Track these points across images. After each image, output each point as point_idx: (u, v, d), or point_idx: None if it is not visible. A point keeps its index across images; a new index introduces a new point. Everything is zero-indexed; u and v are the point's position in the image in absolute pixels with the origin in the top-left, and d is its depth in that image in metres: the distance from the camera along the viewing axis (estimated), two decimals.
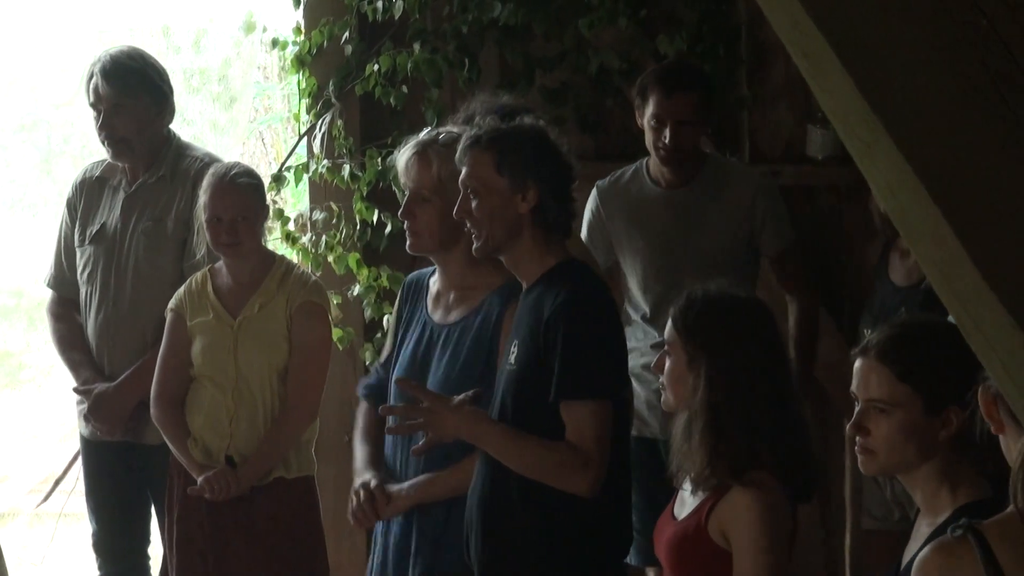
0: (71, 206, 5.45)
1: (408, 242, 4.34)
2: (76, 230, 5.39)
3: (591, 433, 3.78)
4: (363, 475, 4.36)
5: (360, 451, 4.45)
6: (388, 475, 4.34)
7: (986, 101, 1.81)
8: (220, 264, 5.05)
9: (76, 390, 5.31)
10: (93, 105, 5.28)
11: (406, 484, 4.26)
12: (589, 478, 3.77)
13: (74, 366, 5.34)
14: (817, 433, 5.61)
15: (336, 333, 5.70)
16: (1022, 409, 2.01)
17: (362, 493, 4.29)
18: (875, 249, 5.18)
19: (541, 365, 3.81)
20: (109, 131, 5.25)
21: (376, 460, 4.39)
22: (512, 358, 3.89)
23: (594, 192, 5.27)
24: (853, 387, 3.13)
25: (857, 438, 3.00)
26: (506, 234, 3.89)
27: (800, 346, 5.27)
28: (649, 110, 5.02)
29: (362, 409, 4.53)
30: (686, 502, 3.62)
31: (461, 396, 3.92)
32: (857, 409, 3.05)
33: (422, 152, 4.26)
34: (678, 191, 5.11)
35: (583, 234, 5.18)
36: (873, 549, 5.29)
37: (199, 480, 4.91)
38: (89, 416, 5.25)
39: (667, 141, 4.98)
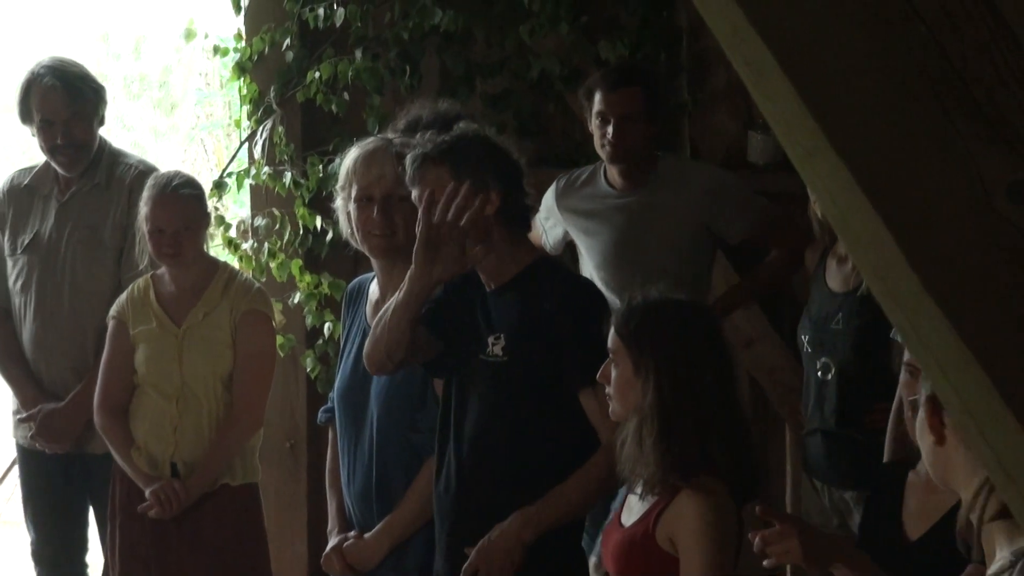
0: None
1: (374, 248, 4.30)
2: (7, 239, 5.34)
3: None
4: (332, 536, 4.38)
5: (329, 501, 4.48)
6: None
7: (925, 108, 1.83)
8: (162, 271, 5.02)
9: (22, 419, 5.25)
10: (44, 120, 5.21)
11: (372, 534, 4.25)
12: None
13: (13, 381, 5.29)
14: (758, 435, 5.67)
15: (278, 340, 5.69)
16: (957, 409, 2.02)
17: (335, 562, 4.30)
18: (813, 256, 5.19)
19: (544, 355, 3.86)
20: (70, 139, 5.20)
21: (343, 511, 4.40)
22: (498, 349, 3.90)
23: (553, 186, 5.28)
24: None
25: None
26: (475, 239, 3.90)
27: (752, 276, 5.28)
28: (594, 108, 5.02)
29: (330, 450, 4.52)
30: (633, 508, 3.63)
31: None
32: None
33: (399, 155, 4.20)
34: (630, 195, 5.11)
35: (539, 218, 5.22)
36: None
37: (147, 493, 4.87)
38: (37, 436, 5.20)
39: (611, 137, 4.98)
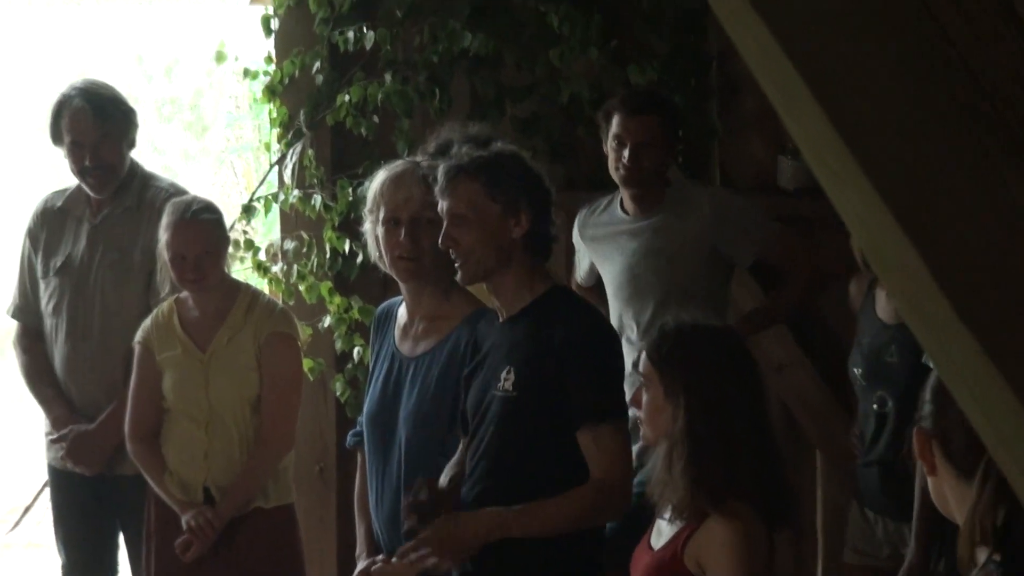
0: (33, 236, 5.41)
1: (401, 271, 4.29)
2: (39, 261, 5.36)
3: (622, 456, 3.81)
4: (360, 560, 4.37)
5: (358, 525, 4.48)
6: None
7: (955, 131, 1.82)
8: (186, 295, 5.03)
9: (53, 440, 5.26)
10: (74, 142, 5.23)
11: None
12: (620, 504, 3.82)
13: (45, 402, 5.30)
14: (790, 463, 5.64)
15: (307, 364, 5.69)
16: (990, 437, 2.01)
17: None
18: (860, 286, 5.15)
19: (549, 392, 3.81)
20: (98, 162, 5.21)
21: (371, 535, 4.40)
22: (508, 384, 3.87)
23: (577, 217, 5.33)
24: None
25: None
26: (497, 260, 3.89)
27: (778, 294, 5.26)
28: (611, 131, 5.03)
29: (359, 473, 4.51)
30: (663, 532, 3.62)
31: (447, 484, 3.91)
32: None
33: (426, 177, 4.17)
34: (642, 220, 5.13)
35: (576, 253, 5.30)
36: None
37: (183, 523, 4.87)
38: (68, 457, 5.21)
39: (626, 161, 4.99)
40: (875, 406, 4.93)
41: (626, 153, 4.99)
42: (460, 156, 3.95)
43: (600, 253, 5.23)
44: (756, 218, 5.17)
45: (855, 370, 5.01)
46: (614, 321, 5.17)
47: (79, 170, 5.26)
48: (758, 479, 3.52)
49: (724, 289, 5.18)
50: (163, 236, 4.92)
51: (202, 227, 4.92)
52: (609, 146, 5.06)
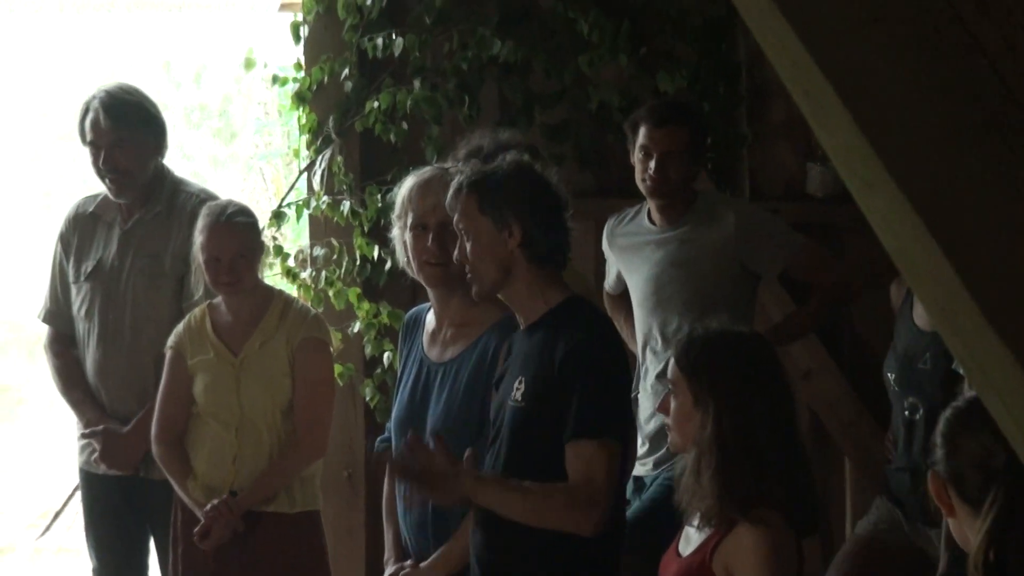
0: (65, 241, 5.43)
1: (428, 277, 4.29)
2: (71, 266, 5.38)
3: (602, 473, 3.76)
4: (388, 565, 4.38)
5: (386, 530, 4.49)
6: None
7: (986, 140, 1.82)
8: (219, 300, 5.05)
9: (84, 435, 5.28)
10: (92, 143, 5.27)
11: (428, 563, 4.24)
12: (595, 518, 3.77)
13: (76, 405, 5.33)
14: (817, 468, 5.64)
15: (336, 369, 5.70)
16: (1020, 445, 2.01)
17: None
18: (899, 291, 5.14)
19: (552, 404, 3.80)
20: (111, 165, 5.24)
21: (399, 541, 4.40)
22: (519, 395, 3.87)
23: (605, 226, 5.34)
24: None
25: None
26: (499, 273, 3.88)
27: (807, 304, 5.27)
28: (638, 142, 5.03)
29: (387, 478, 4.53)
30: (691, 539, 3.62)
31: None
32: None
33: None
34: (668, 231, 5.13)
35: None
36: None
37: (202, 514, 4.89)
38: (100, 458, 5.23)
39: (652, 172, 4.99)
40: (906, 412, 4.94)
41: (652, 164, 4.99)
42: (464, 171, 3.97)
43: (626, 262, 5.23)
44: (781, 231, 5.16)
45: (888, 374, 5.02)
46: (639, 331, 5.18)
47: (97, 172, 5.29)
48: (786, 486, 3.52)
49: (749, 300, 5.17)
50: (198, 238, 4.94)
51: (237, 230, 4.94)
52: (636, 157, 5.06)
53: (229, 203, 5.08)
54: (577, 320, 3.88)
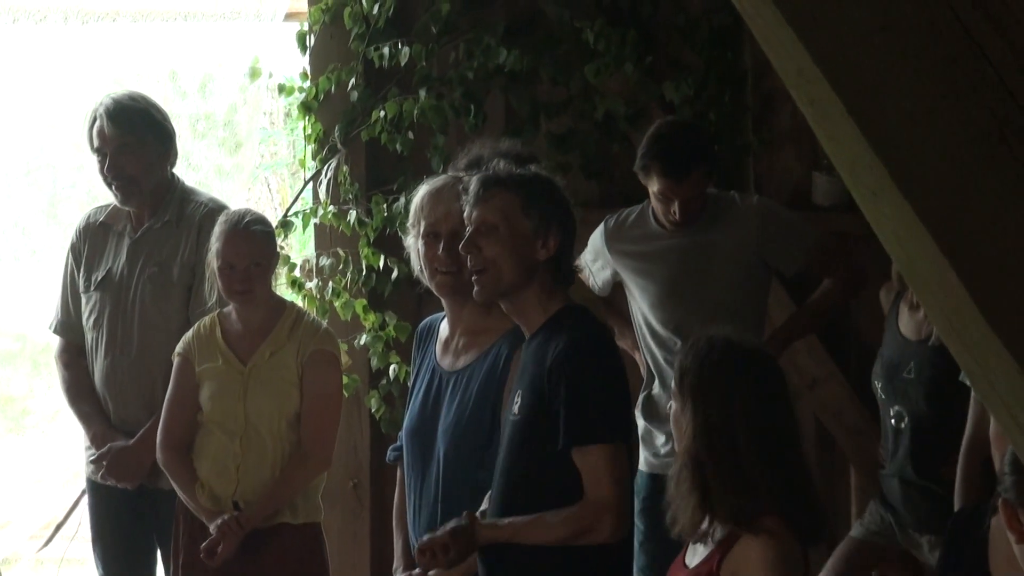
0: (75, 251, 5.44)
1: (439, 286, 4.30)
2: (81, 276, 5.39)
3: (608, 477, 3.77)
4: (397, 574, 4.41)
5: (396, 539, 4.51)
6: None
7: (992, 149, 1.81)
8: (229, 309, 5.05)
9: (93, 460, 5.27)
10: (98, 149, 5.27)
11: (436, 573, 4.24)
12: (612, 524, 3.78)
13: (84, 418, 5.33)
14: (824, 477, 5.64)
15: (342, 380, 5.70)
16: None
17: None
18: (888, 297, 5.17)
19: (545, 414, 3.80)
20: (117, 171, 5.24)
21: (408, 550, 4.40)
22: (516, 408, 3.88)
23: (601, 227, 5.28)
24: None
25: None
26: (518, 277, 3.88)
27: (809, 305, 5.26)
28: (655, 187, 5.00)
29: (397, 488, 4.53)
30: (697, 549, 3.61)
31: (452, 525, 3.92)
32: None
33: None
34: (682, 234, 5.10)
35: (584, 259, 5.23)
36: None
37: (211, 528, 4.89)
38: (108, 475, 5.23)
39: (676, 217, 5.01)
40: (892, 420, 4.98)
41: (675, 208, 5.00)
42: (499, 169, 3.96)
43: (635, 268, 5.19)
44: (800, 223, 5.17)
45: (876, 383, 5.06)
46: (653, 332, 5.14)
47: (103, 179, 5.30)
48: (789, 496, 3.51)
49: (764, 300, 5.18)
50: (214, 244, 4.95)
51: (253, 238, 4.94)
52: (653, 195, 5.04)
53: (247, 211, 5.09)
54: (567, 325, 3.87)
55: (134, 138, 5.24)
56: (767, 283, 5.19)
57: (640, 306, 5.19)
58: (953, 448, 4.73)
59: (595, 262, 5.29)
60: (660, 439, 5.11)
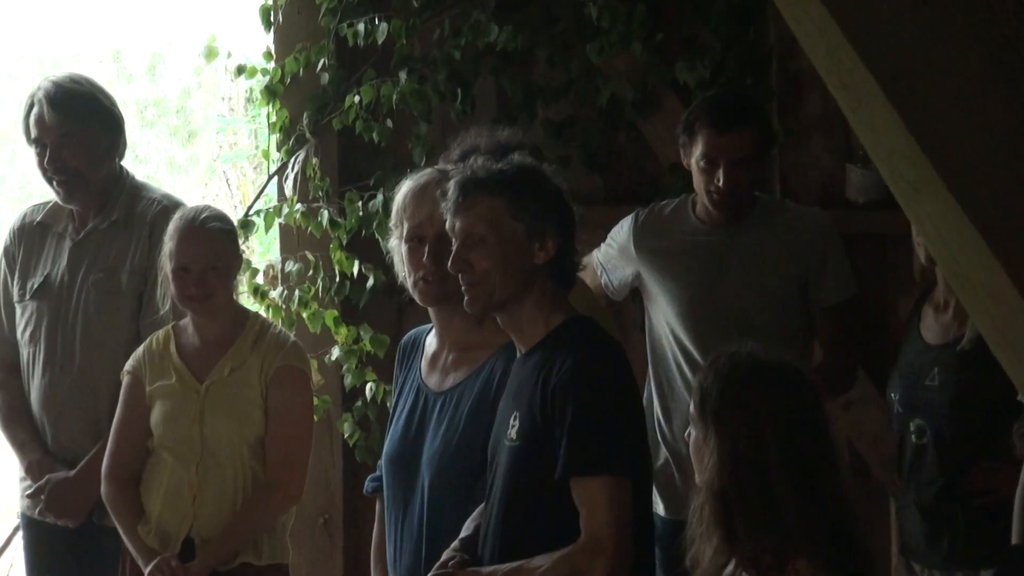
0: (9, 255, 5.43)
1: (422, 294, 4.31)
2: (15, 283, 5.38)
3: (605, 516, 3.78)
4: None
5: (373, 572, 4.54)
6: None
7: None
8: (185, 321, 5.06)
9: (29, 494, 5.27)
10: (36, 140, 5.27)
11: None
12: (604, 566, 3.78)
13: (18, 445, 5.31)
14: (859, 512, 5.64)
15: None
16: None
17: None
18: (907, 304, 5.19)
19: (546, 439, 3.82)
20: (58, 164, 5.24)
21: None
22: (513, 432, 3.88)
23: (630, 220, 5.27)
24: None
25: None
26: (516, 288, 3.90)
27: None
28: (698, 149, 5.00)
29: (376, 523, 4.54)
30: None
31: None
32: None
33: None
34: (722, 231, 5.10)
35: (598, 257, 5.24)
36: None
37: (145, 573, 4.88)
38: (47, 511, 5.23)
39: (721, 183, 4.98)
40: (913, 436, 4.96)
41: (720, 174, 4.98)
42: (476, 168, 3.96)
43: (661, 267, 5.17)
44: (847, 266, 5.16)
45: (892, 395, 5.04)
46: (672, 341, 5.14)
47: (43, 174, 5.29)
48: (825, 536, 3.50)
49: (806, 326, 5.15)
50: (167, 244, 4.95)
51: (212, 237, 4.95)
52: (695, 164, 5.03)
53: (205, 208, 5.08)
54: (574, 341, 3.88)
55: (78, 127, 5.24)
56: (806, 310, 5.16)
57: (666, 316, 5.16)
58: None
59: (616, 257, 5.27)
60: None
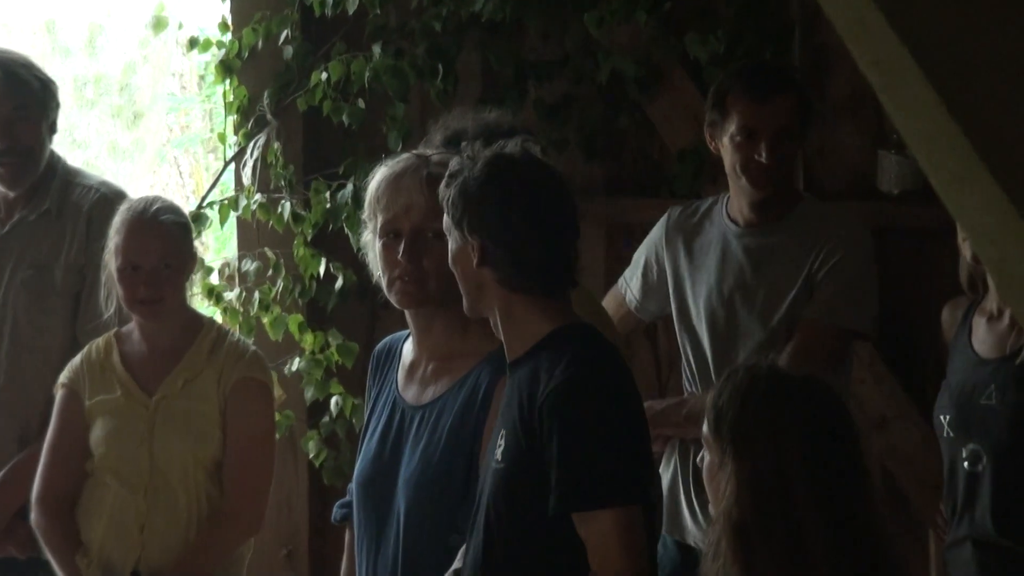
0: None
1: (399, 296, 4.30)
2: None
3: (619, 548, 3.78)
4: None
5: None
6: None
7: None
8: (130, 327, 5.05)
9: None
10: None
11: None
12: None
13: None
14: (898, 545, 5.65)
15: None
16: None
17: None
18: (954, 314, 5.18)
19: (532, 463, 3.82)
20: (9, 142, 5.23)
21: None
22: (499, 452, 3.88)
23: (664, 218, 5.29)
24: None
25: None
26: (473, 292, 3.92)
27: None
28: (734, 123, 4.98)
29: (345, 555, 4.55)
30: None
31: None
32: None
33: (433, 178, 4.16)
34: (755, 231, 5.10)
35: (624, 275, 5.29)
36: None
37: None
38: None
39: (763, 157, 4.96)
40: (966, 463, 4.95)
41: (763, 147, 4.96)
42: (468, 162, 3.97)
43: (684, 271, 5.19)
44: (862, 288, 5.13)
45: (941, 417, 5.02)
46: (694, 353, 5.15)
47: None
48: (857, 571, 3.51)
49: (845, 359, 5.15)
50: (112, 239, 4.94)
51: (164, 231, 4.95)
52: (730, 141, 5.01)
53: (156, 199, 5.07)
54: (565, 353, 3.86)
55: (31, 99, 5.25)
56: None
57: (688, 324, 5.15)
58: None
59: (638, 265, 5.29)
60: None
